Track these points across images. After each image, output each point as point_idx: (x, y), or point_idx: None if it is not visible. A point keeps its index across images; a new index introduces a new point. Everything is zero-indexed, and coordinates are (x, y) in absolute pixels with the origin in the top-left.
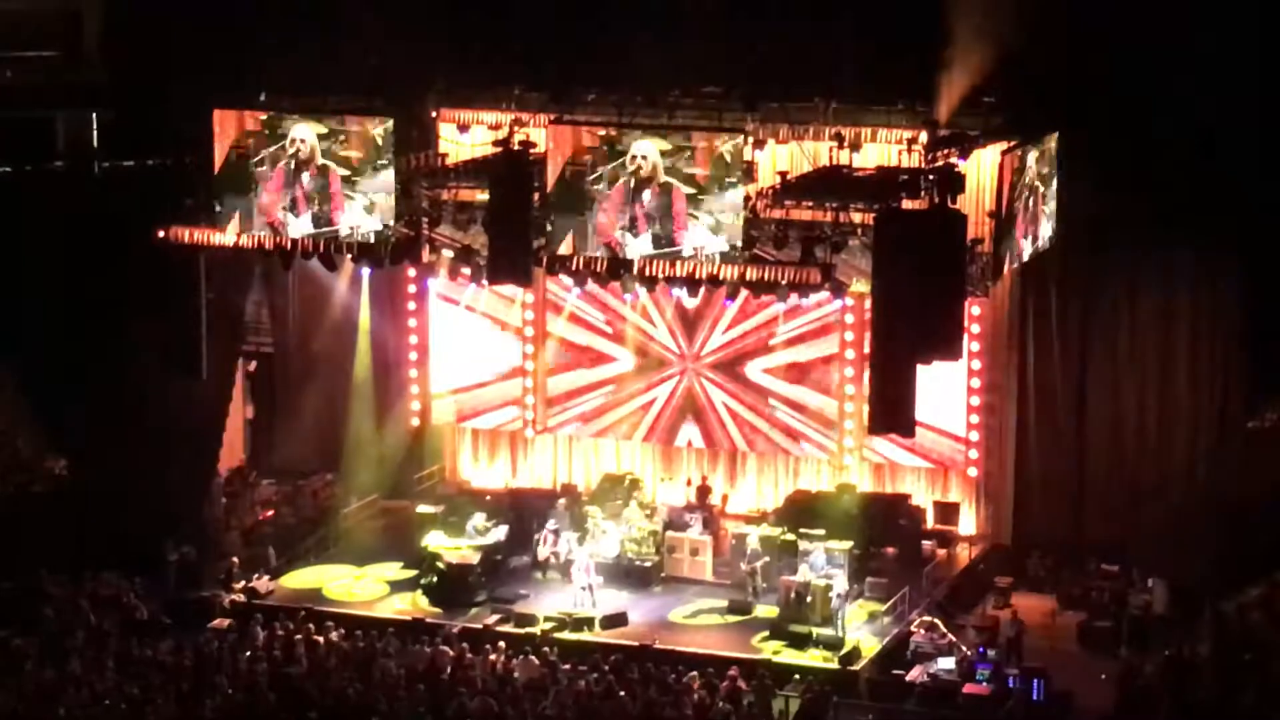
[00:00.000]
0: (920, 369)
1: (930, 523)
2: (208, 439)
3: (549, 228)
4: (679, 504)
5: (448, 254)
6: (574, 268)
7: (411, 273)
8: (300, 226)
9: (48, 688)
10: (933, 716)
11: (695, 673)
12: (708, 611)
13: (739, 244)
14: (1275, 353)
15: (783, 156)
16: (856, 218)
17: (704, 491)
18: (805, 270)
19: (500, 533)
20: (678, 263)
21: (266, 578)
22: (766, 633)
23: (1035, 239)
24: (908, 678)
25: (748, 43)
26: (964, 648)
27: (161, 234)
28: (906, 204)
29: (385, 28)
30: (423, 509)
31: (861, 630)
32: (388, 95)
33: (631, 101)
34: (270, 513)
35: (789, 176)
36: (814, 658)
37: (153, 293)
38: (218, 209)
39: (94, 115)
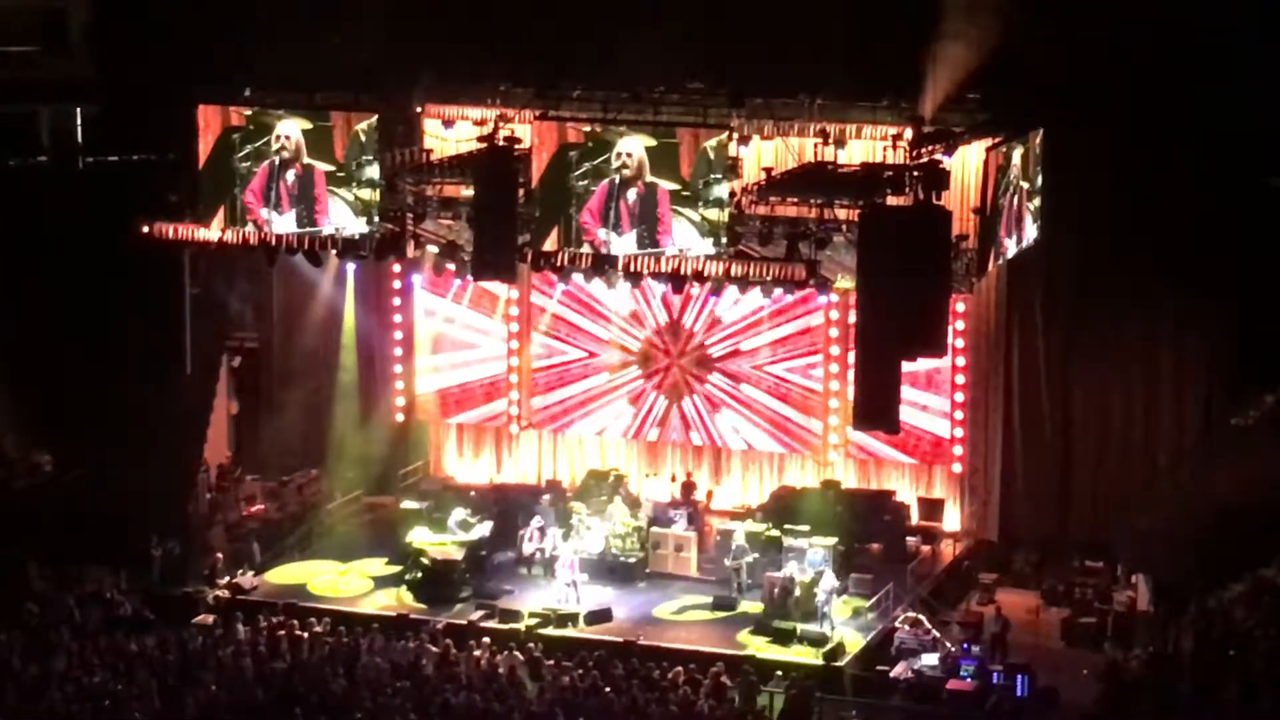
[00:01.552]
0: (905, 365)
1: (915, 519)
2: (192, 434)
3: (534, 224)
4: (664, 500)
5: (432, 250)
6: (559, 264)
7: (396, 268)
8: (284, 224)
9: (32, 683)
10: (917, 712)
11: (680, 669)
12: (692, 607)
13: (724, 242)
14: (1259, 350)
15: (768, 153)
16: (841, 214)
17: (689, 487)
18: (790, 266)
19: (485, 529)
20: (662, 259)
21: (251, 573)
22: (751, 629)
23: (1020, 236)
24: (892, 674)
25: (733, 39)
26: (948, 644)
27: (145, 229)
28: (891, 200)
29: (371, 24)
30: (407, 505)
31: (846, 626)
32: (373, 91)
33: (616, 98)
34: (255, 508)
35: (774, 173)
36: (798, 654)
37: (137, 288)
38: (202, 204)
39: (78, 110)
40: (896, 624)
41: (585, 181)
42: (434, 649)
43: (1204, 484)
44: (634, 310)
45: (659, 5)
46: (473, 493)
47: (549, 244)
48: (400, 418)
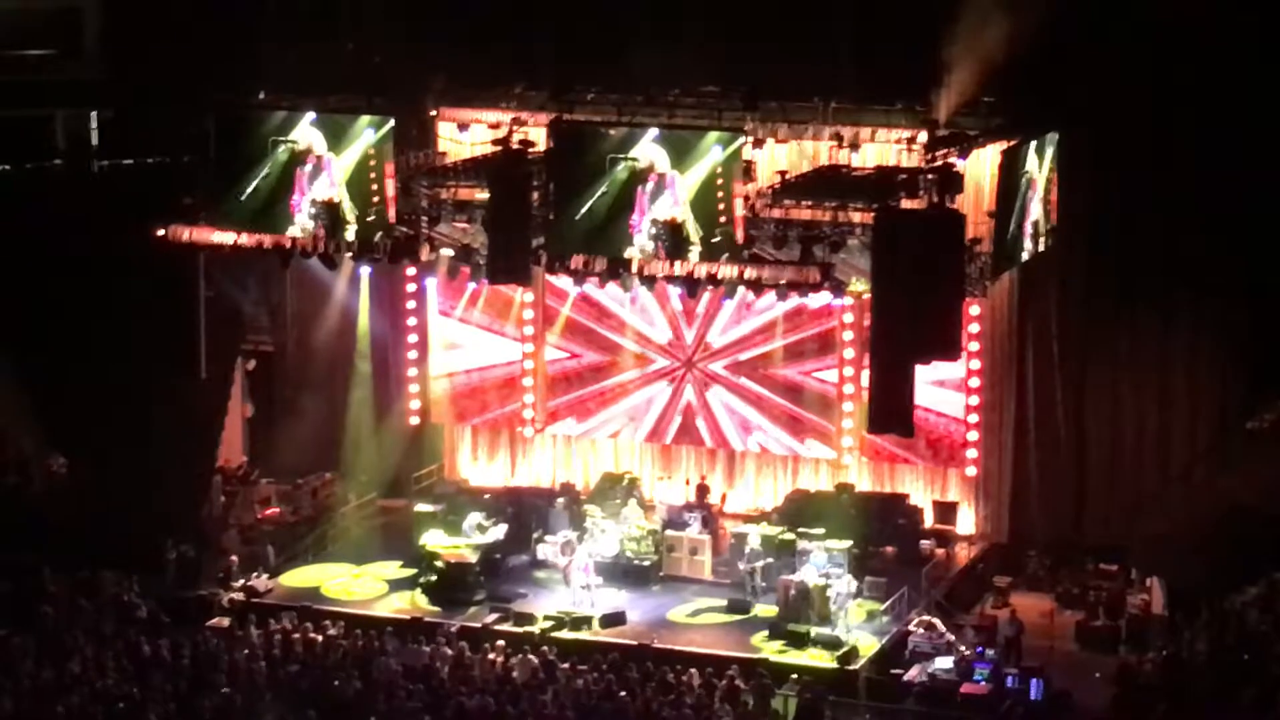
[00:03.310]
0: (920, 369)
1: (929, 522)
2: (206, 437)
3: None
4: (678, 503)
5: (447, 253)
6: (573, 267)
7: (411, 272)
8: (300, 225)
9: (47, 687)
10: (931, 716)
11: (694, 672)
12: (707, 611)
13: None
14: (1274, 353)
15: (782, 156)
16: (856, 217)
17: (703, 490)
18: (804, 270)
19: (499, 532)
20: (677, 262)
21: (265, 576)
22: (765, 632)
23: (1034, 239)
24: (906, 677)
25: (748, 42)
26: (962, 647)
27: (160, 232)
28: (905, 203)
29: (385, 26)
30: (421, 508)
31: (860, 630)
32: (388, 94)
33: (631, 101)
34: (269, 511)
35: (788, 176)
36: (813, 657)
37: (151, 291)
38: (217, 207)
39: (93, 113)
40: (911, 627)
41: (602, 184)
42: (448, 652)
43: (1218, 487)
44: (649, 313)
45: (674, 8)
46: (487, 496)
47: (564, 246)
48: (415, 421)
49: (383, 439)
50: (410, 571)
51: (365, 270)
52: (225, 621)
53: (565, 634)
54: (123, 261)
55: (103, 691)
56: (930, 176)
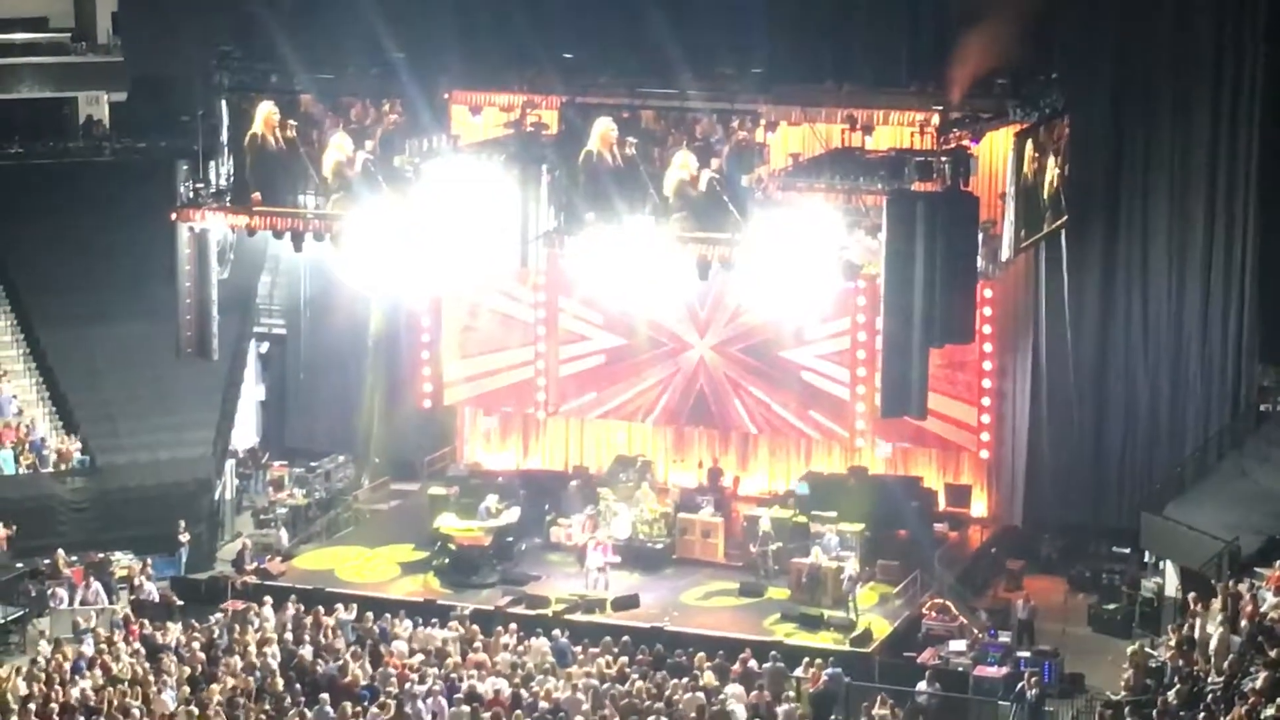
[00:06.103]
0: (933, 351)
1: (942, 505)
2: (220, 420)
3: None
4: (691, 486)
5: None
6: (584, 248)
7: None
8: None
9: (61, 668)
10: (945, 698)
11: (704, 655)
12: (719, 593)
13: None
14: None
15: (795, 138)
16: (869, 200)
17: (716, 473)
18: (817, 250)
19: (512, 514)
20: (690, 244)
21: (278, 559)
22: (778, 615)
23: (1048, 220)
24: (919, 660)
25: (761, 24)
26: (975, 630)
27: (174, 215)
28: (919, 186)
29: (397, 10)
30: (435, 490)
31: (873, 612)
32: (400, 77)
33: (644, 83)
34: (282, 494)
35: (801, 158)
36: (826, 640)
37: (165, 274)
38: (235, 190)
39: (107, 97)
40: (924, 610)
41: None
42: (461, 634)
43: (1232, 469)
44: (661, 296)
45: None
46: (500, 478)
47: (584, 228)
48: (428, 403)
49: (396, 421)
50: (423, 554)
51: (378, 251)
52: (238, 604)
53: (579, 616)
54: (137, 244)
55: (116, 674)
56: (944, 159)
